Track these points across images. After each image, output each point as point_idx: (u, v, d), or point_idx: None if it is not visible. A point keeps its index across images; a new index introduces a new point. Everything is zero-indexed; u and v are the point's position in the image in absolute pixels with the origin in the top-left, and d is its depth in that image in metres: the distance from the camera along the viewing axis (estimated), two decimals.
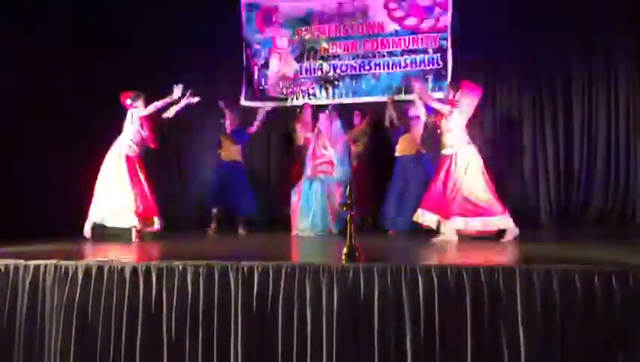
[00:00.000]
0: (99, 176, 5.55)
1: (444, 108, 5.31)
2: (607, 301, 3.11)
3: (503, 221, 5.04)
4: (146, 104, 5.66)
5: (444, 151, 5.29)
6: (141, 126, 5.65)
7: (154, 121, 5.74)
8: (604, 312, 3.10)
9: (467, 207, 5.07)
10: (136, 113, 5.63)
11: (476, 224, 5.06)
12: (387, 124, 6.52)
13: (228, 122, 6.67)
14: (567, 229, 6.48)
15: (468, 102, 5.30)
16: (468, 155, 5.16)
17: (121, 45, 7.15)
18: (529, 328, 3.15)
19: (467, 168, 5.12)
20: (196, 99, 5.83)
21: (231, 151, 6.64)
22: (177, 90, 5.65)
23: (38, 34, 6.36)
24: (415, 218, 5.33)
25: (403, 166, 6.18)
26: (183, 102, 5.78)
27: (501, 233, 5.06)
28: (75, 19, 6.77)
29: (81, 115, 6.45)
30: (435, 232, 5.21)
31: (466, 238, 5.10)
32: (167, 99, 5.66)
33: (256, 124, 6.69)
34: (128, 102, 5.68)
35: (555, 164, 6.98)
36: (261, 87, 7.68)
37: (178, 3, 7.50)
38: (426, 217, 5.25)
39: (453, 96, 5.32)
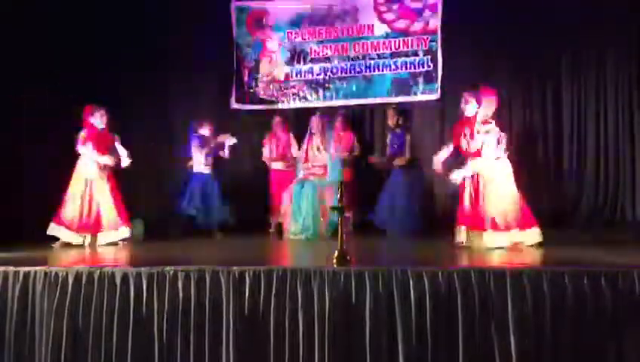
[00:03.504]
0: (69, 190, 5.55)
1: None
2: (596, 302, 3.13)
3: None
4: (104, 117, 5.61)
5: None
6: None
7: (105, 141, 5.64)
8: (593, 313, 3.13)
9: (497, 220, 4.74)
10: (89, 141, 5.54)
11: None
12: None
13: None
14: (556, 230, 6.50)
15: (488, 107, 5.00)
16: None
17: (116, 48, 7.13)
18: (520, 330, 3.17)
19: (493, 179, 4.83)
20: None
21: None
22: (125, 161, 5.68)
23: (35, 33, 6.35)
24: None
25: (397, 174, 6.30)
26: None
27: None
28: (74, 19, 6.75)
29: (80, 117, 6.41)
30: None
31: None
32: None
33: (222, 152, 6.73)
34: (89, 117, 5.61)
35: (544, 164, 7.01)
36: (251, 90, 7.67)
37: (168, 6, 7.48)
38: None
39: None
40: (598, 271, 3.19)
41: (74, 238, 5.40)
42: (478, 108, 5.01)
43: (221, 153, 6.64)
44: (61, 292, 3.60)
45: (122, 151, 5.73)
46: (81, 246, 5.41)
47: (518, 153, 7.02)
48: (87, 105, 5.64)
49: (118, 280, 3.56)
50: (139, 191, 6.80)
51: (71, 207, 5.45)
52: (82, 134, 5.54)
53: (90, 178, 5.52)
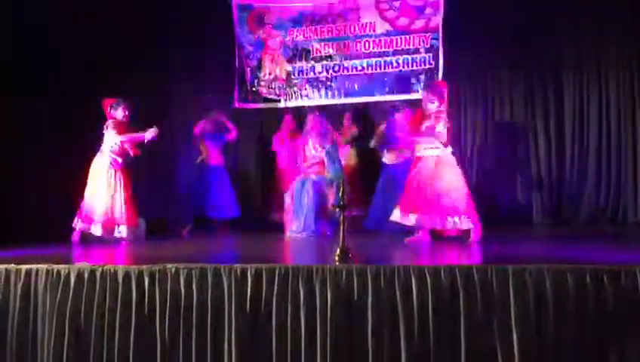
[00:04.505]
0: (87, 186, 5.57)
1: (431, 135, 5.07)
2: (599, 300, 3.12)
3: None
4: (127, 110, 5.66)
5: (422, 153, 5.13)
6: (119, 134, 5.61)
7: (131, 129, 5.71)
8: (596, 311, 3.12)
9: (442, 206, 4.93)
10: (111, 124, 5.60)
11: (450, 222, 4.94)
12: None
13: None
14: (558, 228, 6.50)
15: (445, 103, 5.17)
16: (446, 156, 5.07)
17: (118, 47, 7.14)
18: (522, 327, 3.16)
19: (443, 168, 4.99)
20: (153, 133, 5.66)
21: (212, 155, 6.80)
22: (149, 133, 5.60)
23: (35, 33, 6.37)
24: (393, 217, 5.18)
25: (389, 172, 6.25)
26: (148, 137, 5.68)
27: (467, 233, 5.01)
28: (74, 19, 6.77)
29: (81, 117, 6.44)
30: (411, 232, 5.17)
31: (459, 238, 5.10)
32: (138, 136, 5.63)
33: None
34: (109, 110, 5.67)
35: (546, 164, 7.01)
36: (254, 89, 7.67)
37: (169, 4, 7.48)
38: (404, 217, 5.10)
39: (440, 107, 5.12)
40: (600, 269, 3.18)
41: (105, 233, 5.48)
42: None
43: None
44: (63, 290, 3.60)
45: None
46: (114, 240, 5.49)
47: (520, 151, 7.11)
48: (106, 99, 5.69)
49: (120, 278, 3.56)
50: (140, 190, 6.80)
51: (97, 202, 5.50)
52: (109, 123, 5.60)
53: (110, 172, 5.57)
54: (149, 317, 3.50)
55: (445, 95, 5.21)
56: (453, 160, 5.07)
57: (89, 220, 5.48)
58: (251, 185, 7.16)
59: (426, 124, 5.07)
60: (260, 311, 3.39)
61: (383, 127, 6.50)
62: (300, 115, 7.22)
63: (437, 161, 4.99)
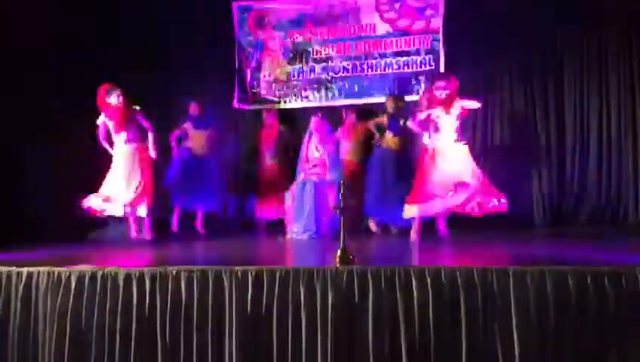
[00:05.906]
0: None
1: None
2: (600, 302, 3.13)
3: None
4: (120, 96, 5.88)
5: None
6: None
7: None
8: (597, 313, 3.12)
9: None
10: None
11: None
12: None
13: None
14: (559, 229, 6.50)
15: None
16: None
17: (118, 45, 7.15)
18: (523, 329, 3.16)
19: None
20: None
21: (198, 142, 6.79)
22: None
23: (35, 33, 6.38)
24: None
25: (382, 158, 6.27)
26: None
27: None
28: (73, 20, 6.78)
29: (83, 116, 6.42)
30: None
31: (460, 239, 5.11)
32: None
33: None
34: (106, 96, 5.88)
35: (547, 164, 7.00)
36: (254, 90, 7.67)
37: (170, 5, 7.48)
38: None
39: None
40: (601, 271, 3.18)
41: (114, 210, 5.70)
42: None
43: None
44: (64, 292, 3.60)
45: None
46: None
47: (521, 151, 7.10)
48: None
49: (120, 281, 3.56)
50: None
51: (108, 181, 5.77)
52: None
53: (120, 154, 5.86)
54: (150, 320, 3.50)
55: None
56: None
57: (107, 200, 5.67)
58: (250, 186, 7.13)
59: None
60: (261, 314, 3.39)
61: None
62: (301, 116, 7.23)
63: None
